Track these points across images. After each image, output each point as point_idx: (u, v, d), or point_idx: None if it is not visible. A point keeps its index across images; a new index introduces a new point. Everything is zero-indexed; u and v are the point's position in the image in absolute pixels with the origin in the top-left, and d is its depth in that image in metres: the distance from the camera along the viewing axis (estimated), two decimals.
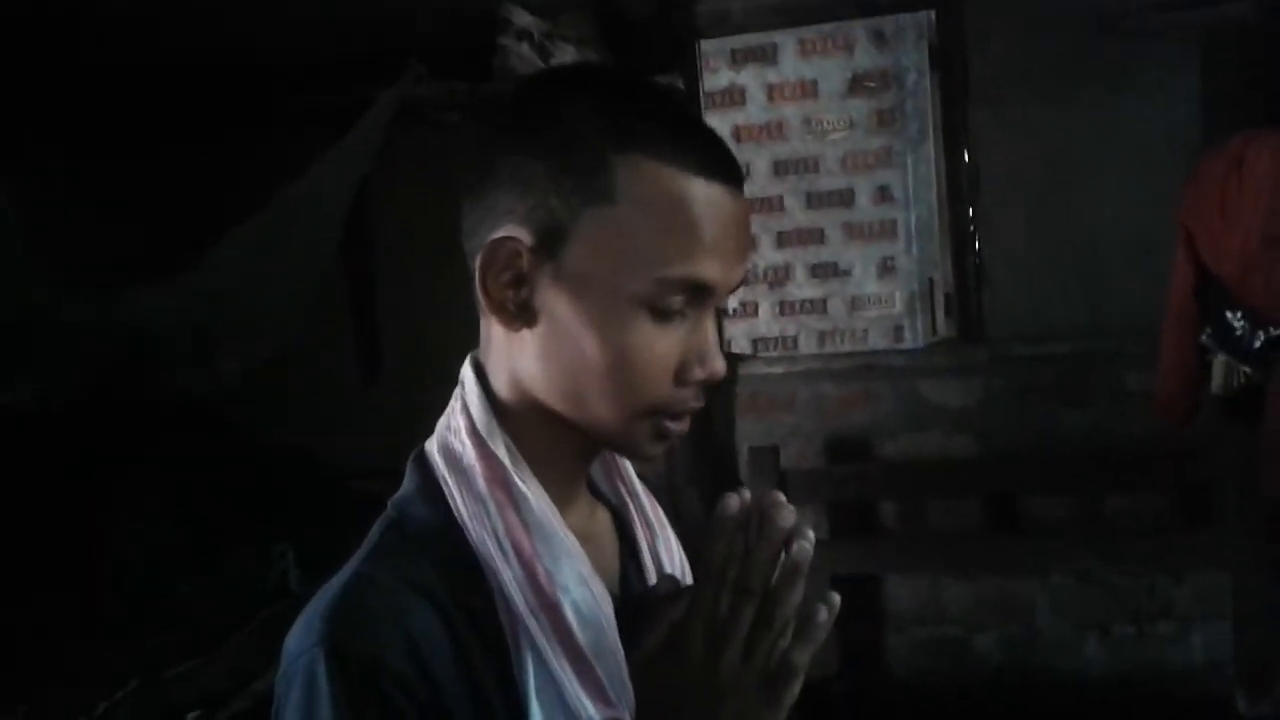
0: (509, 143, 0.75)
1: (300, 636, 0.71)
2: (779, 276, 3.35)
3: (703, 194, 0.73)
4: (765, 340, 3.38)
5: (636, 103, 0.76)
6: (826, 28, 3.27)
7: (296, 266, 2.72)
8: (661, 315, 0.74)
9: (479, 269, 0.75)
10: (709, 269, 0.74)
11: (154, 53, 2.84)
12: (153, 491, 2.72)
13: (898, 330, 3.30)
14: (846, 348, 3.33)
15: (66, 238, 2.90)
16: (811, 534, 0.72)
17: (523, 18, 2.83)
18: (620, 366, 0.74)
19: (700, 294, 0.75)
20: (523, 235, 0.74)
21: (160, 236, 2.93)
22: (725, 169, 0.75)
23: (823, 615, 0.72)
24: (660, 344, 0.74)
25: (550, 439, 0.79)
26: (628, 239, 0.72)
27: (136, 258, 2.79)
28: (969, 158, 3.21)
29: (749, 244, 0.80)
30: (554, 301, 0.74)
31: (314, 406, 3.14)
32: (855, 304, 3.35)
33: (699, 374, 0.76)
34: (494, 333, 0.79)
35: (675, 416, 0.77)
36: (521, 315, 0.75)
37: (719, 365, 0.77)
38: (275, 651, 0.73)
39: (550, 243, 0.73)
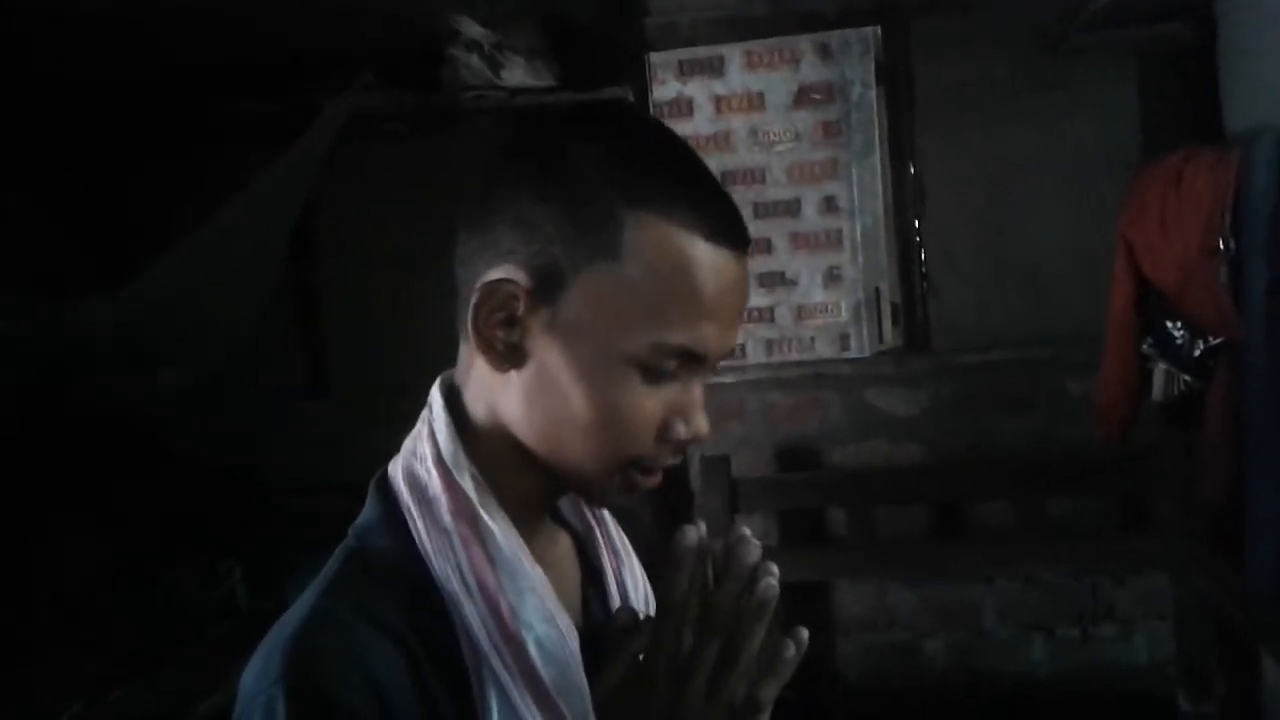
0: (516, 179, 0.73)
1: (258, 673, 0.69)
2: None
3: (710, 259, 0.72)
4: None
5: (652, 156, 0.73)
6: (772, 41, 3.29)
7: (241, 278, 2.67)
8: (653, 376, 0.73)
9: (473, 307, 0.73)
10: (708, 336, 0.73)
11: (94, 59, 2.77)
12: (89, 506, 2.64)
13: (844, 339, 3.33)
14: (794, 356, 3.35)
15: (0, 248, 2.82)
16: (776, 569, 0.72)
17: (472, 28, 2.81)
18: (606, 422, 0.73)
19: (695, 360, 0.74)
20: (521, 278, 0.72)
21: (100, 247, 2.86)
22: (735, 234, 0.74)
23: (791, 652, 0.72)
24: (649, 403, 0.73)
25: (519, 472, 0.77)
26: (629, 298, 0.71)
27: (74, 268, 2.72)
28: (914, 169, 3.26)
29: (745, 304, 0.78)
30: (545, 348, 0.73)
31: (257, 420, 3.07)
32: (802, 313, 3.36)
33: (683, 434, 0.75)
34: (477, 364, 0.77)
35: (648, 471, 0.77)
36: (510, 357, 0.74)
37: (703, 427, 0.76)
38: (223, 672, 0.72)
39: (548, 289, 0.72)
